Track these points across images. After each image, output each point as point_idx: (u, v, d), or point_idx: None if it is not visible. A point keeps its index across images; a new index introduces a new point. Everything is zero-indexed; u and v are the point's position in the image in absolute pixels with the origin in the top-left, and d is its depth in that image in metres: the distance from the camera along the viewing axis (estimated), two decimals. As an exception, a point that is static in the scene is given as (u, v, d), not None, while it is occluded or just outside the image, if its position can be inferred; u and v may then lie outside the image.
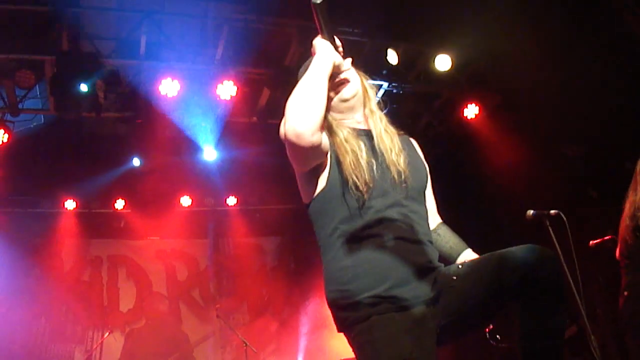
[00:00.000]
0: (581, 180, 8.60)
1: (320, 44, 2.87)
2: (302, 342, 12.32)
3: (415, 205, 2.99)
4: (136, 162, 10.50)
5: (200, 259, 13.55)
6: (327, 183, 2.89)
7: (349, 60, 3.00)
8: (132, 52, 8.67)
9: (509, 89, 10.05)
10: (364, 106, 3.11)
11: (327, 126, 2.92)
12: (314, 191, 2.94)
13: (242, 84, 8.96)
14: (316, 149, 2.71)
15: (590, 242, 5.91)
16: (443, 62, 9.52)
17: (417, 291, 2.74)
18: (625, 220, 5.15)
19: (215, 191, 12.78)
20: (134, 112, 9.07)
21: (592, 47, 8.05)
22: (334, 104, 3.00)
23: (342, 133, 2.92)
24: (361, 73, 3.15)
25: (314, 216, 2.99)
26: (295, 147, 2.63)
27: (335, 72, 2.90)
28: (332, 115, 3.00)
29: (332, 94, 2.95)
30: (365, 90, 3.12)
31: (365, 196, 2.81)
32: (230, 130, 9.99)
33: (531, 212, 5.46)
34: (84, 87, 8.15)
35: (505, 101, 10.23)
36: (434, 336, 2.76)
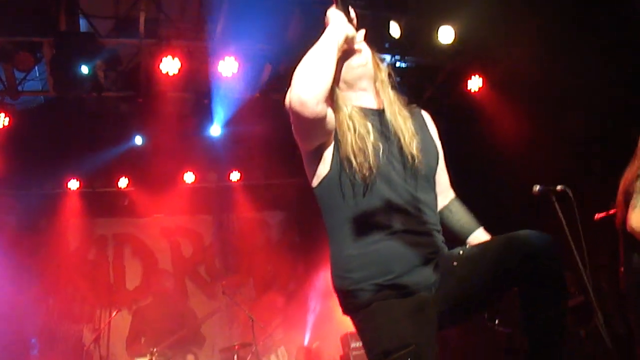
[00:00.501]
0: (584, 154, 8.55)
1: (334, 14, 2.84)
2: (309, 316, 12.36)
3: (424, 193, 2.96)
4: (138, 140, 10.46)
5: (205, 235, 13.55)
6: (331, 167, 2.86)
7: (362, 32, 2.95)
8: (131, 30, 8.61)
9: (513, 62, 9.98)
10: (374, 81, 3.04)
11: (333, 101, 2.85)
12: (319, 175, 2.91)
13: (243, 60, 8.91)
14: (320, 122, 2.68)
15: (596, 216, 5.89)
16: (446, 35, 9.42)
17: (419, 278, 2.76)
18: (618, 196, 5.16)
19: (218, 167, 12.80)
20: (135, 91, 9.05)
21: (598, 19, 8.00)
22: (344, 76, 2.94)
23: (347, 109, 2.86)
24: (372, 47, 3.06)
25: (321, 201, 2.97)
26: (299, 116, 2.59)
27: (348, 44, 2.85)
28: (341, 89, 2.94)
29: (342, 64, 2.89)
30: (376, 65, 3.05)
31: (369, 181, 2.78)
32: (232, 106, 9.94)
33: (537, 187, 5.46)
34: (84, 69, 8.10)
35: (509, 74, 10.16)
36: (434, 322, 2.78)
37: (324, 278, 12.01)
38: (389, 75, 3.10)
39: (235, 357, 9.86)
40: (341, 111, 2.85)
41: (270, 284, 13.39)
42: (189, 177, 12.47)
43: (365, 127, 2.83)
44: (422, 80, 10.38)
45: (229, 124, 10.50)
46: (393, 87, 3.09)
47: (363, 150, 2.77)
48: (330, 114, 2.74)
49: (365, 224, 2.79)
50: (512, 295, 2.91)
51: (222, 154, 12.01)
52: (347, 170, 2.79)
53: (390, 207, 2.80)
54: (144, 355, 9.38)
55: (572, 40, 8.25)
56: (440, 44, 9.46)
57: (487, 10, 9.17)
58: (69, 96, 8.68)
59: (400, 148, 2.89)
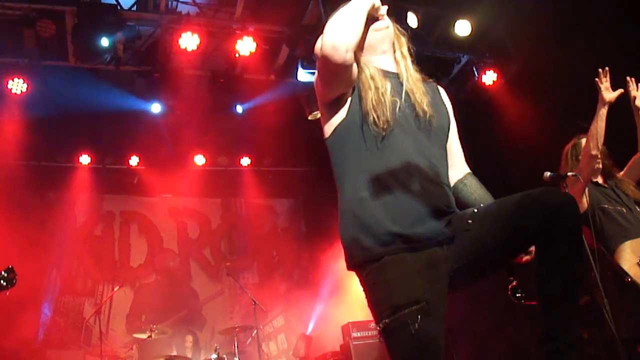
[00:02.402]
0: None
1: None
2: (311, 305, 12.38)
3: (437, 148, 3.04)
4: (156, 108, 10.43)
5: (212, 218, 13.61)
6: (348, 114, 2.97)
7: (385, 7, 3.07)
8: (153, 6, 8.67)
9: (528, 57, 10.01)
10: (394, 50, 3.17)
11: (357, 62, 2.96)
12: (334, 124, 3.01)
13: (261, 42, 8.95)
14: (346, 69, 2.81)
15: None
16: (463, 28, 9.47)
17: (432, 232, 2.77)
18: None
19: (229, 151, 12.84)
20: (153, 66, 9.08)
21: (614, 13, 8.00)
22: (367, 39, 3.06)
23: (369, 70, 2.99)
24: (396, 25, 3.22)
25: (333, 147, 3.04)
26: (328, 61, 2.73)
27: (372, 13, 2.98)
28: (364, 53, 3.07)
29: (366, 29, 3.00)
30: (397, 35, 3.20)
31: (385, 133, 2.86)
32: (247, 88, 9.96)
33: (548, 173, 5.51)
34: (105, 42, 8.16)
35: (524, 69, 10.18)
36: (446, 279, 2.79)
37: (327, 269, 12.04)
38: (408, 48, 3.22)
39: (235, 339, 9.84)
40: (363, 72, 2.97)
41: (274, 271, 13.44)
42: (200, 160, 12.54)
43: (384, 85, 2.94)
44: (438, 71, 10.37)
45: (243, 106, 10.49)
46: (411, 55, 3.21)
47: (381, 105, 2.88)
48: (354, 67, 2.87)
49: (379, 172, 2.82)
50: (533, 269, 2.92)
51: (234, 138, 12.06)
52: (366, 122, 2.88)
53: (405, 158, 2.85)
54: (143, 332, 9.38)
55: (587, 34, 8.27)
56: (457, 36, 9.50)
57: (504, 6, 9.21)
58: (88, 65, 8.71)
59: (413, 106, 2.99)
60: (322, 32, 2.79)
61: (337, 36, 2.69)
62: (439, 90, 3.31)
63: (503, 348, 9.68)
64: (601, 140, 5.37)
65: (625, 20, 7.93)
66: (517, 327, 9.59)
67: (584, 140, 5.67)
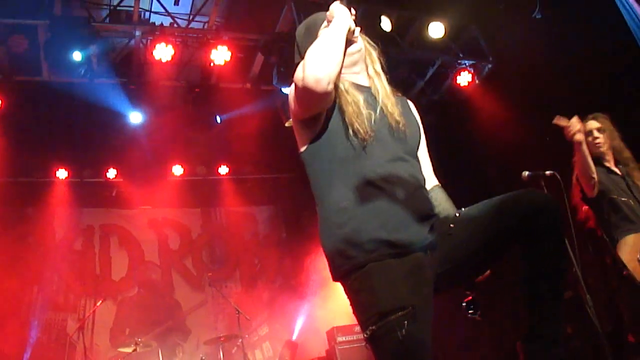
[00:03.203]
0: (570, 149, 8.62)
1: (339, 8, 3.04)
2: (295, 312, 12.38)
3: (412, 157, 3.09)
4: (136, 117, 10.35)
5: (193, 228, 13.55)
6: (324, 128, 3.00)
7: (358, 29, 3.13)
8: (125, 17, 8.63)
9: (502, 57, 10.07)
10: (367, 66, 3.22)
11: None
12: (311, 136, 3.03)
13: (235, 50, 8.94)
14: (326, 97, 2.83)
15: (584, 207, 5.99)
16: (436, 30, 9.52)
17: (415, 237, 2.79)
18: None
19: (207, 160, 12.80)
20: (128, 78, 9.04)
21: (585, 17, 8.07)
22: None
23: (344, 85, 3.03)
24: (366, 39, 3.28)
25: (309, 161, 3.07)
26: (310, 92, 2.76)
27: (348, 35, 3.03)
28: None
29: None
30: (369, 53, 3.25)
31: (365, 143, 2.89)
32: (223, 97, 9.94)
33: (527, 173, 5.54)
34: (78, 55, 8.11)
35: (499, 70, 10.25)
36: (431, 284, 2.80)
37: (310, 274, 12.04)
38: (380, 63, 3.30)
39: (220, 349, 9.83)
40: (338, 87, 3.00)
41: (257, 279, 13.39)
42: (178, 170, 12.48)
43: (359, 98, 2.99)
44: (412, 74, 10.43)
45: (219, 115, 10.48)
46: (384, 71, 3.28)
47: (358, 118, 2.92)
48: (333, 91, 2.90)
49: (359, 182, 2.85)
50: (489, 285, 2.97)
51: (212, 147, 12.03)
52: (346, 134, 2.92)
53: (383, 167, 2.88)
54: (128, 346, 9.34)
55: (562, 34, 8.33)
56: (431, 38, 9.54)
57: (477, 6, 9.26)
58: (61, 81, 8.66)
59: (386, 117, 3.04)
60: (294, 43, 2.99)
61: (319, 69, 2.74)
62: (408, 104, 3.38)
63: (487, 347, 9.72)
64: (592, 169, 5.38)
65: (599, 20, 8.01)
66: (500, 327, 9.64)
67: (588, 123, 5.75)
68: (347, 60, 3.09)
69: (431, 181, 3.30)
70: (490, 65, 10.31)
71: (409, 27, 9.69)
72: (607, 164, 5.65)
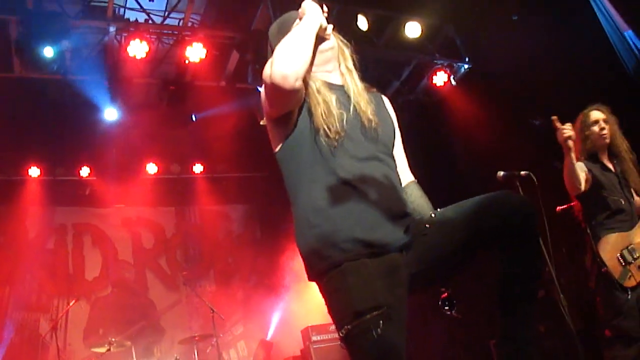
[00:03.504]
0: (546, 150, 8.68)
1: (311, 5, 3.03)
2: (269, 311, 12.36)
3: (386, 156, 3.08)
4: (112, 114, 10.23)
5: (167, 226, 13.48)
6: (296, 128, 2.99)
7: (331, 26, 3.12)
8: (99, 13, 8.54)
9: (478, 57, 10.11)
10: (339, 64, 3.21)
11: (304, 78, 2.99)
12: (284, 136, 3.02)
13: (210, 48, 8.89)
14: (295, 94, 2.83)
15: (557, 208, 6.02)
16: (413, 29, 9.53)
17: (390, 237, 2.79)
18: None
19: (181, 158, 12.74)
20: (101, 74, 8.96)
21: (562, 18, 8.12)
22: (314, 58, 3.06)
23: (315, 84, 3.02)
24: (339, 37, 3.26)
25: (283, 161, 3.06)
26: (277, 88, 2.74)
27: (320, 33, 3.02)
28: (310, 69, 3.05)
29: (314, 49, 3.01)
30: (341, 51, 3.23)
31: (336, 143, 2.88)
32: (197, 95, 9.88)
33: (501, 173, 5.55)
34: (51, 51, 8.01)
35: (475, 69, 10.29)
36: (406, 284, 2.81)
37: (285, 273, 12.02)
38: (352, 60, 3.27)
39: (195, 348, 9.80)
40: (310, 87, 2.99)
41: (231, 278, 13.36)
42: (152, 168, 12.42)
43: (330, 98, 2.98)
44: (388, 73, 10.44)
45: (194, 113, 10.42)
46: (356, 68, 3.26)
47: (330, 117, 2.91)
48: (302, 88, 2.89)
49: (334, 181, 2.84)
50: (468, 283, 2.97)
51: (186, 145, 11.98)
52: (317, 134, 2.90)
53: (358, 166, 2.87)
54: (102, 346, 9.27)
55: (539, 36, 8.37)
56: (407, 38, 9.55)
57: (453, 7, 9.28)
58: (33, 77, 8.56)
59: (359, 116, 3.03)
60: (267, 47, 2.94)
61: (286, 65, 2.72)
62: (382, 100, 3.37)
63: (462, 347, 9.75)
64: (579, 179, 5.40)
65: (576, 21, 8.06)
66: (476, 327, 9.67)
67: (593, 113, 5.68)
68: (319, 58, 3.10)
69: (407, 177, 3.30)
70: (466, 66, 10.35)
71: (385, 27, 9.70)
72: (603, 160, 5.63)
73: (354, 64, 3.24)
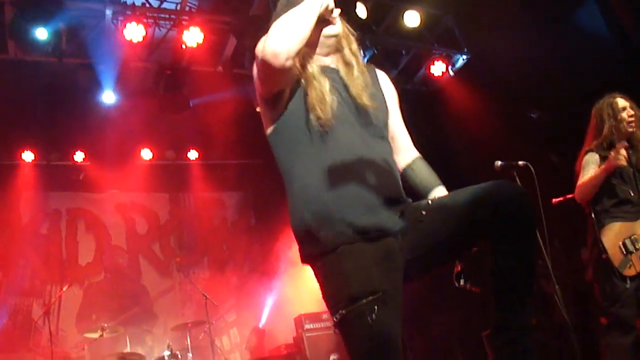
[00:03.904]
0: (543, 142, 8.68)
1: None
2: (262, 298, 12.36)
3: (382, 139, 3.06)
4: (108, 97, 10.15)
5: (161, 212, 13.43)
6: (288, 110, 2.97)
7: (338, 10, 3.04)
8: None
9: (477, 48, 10.10)
10: (344, 48, 3.15)
11: (300, 57, 2.95)
12: (276, 117, 3.01)
13: (208, 32, 8.84)
14: (285, 73, 2.81)
15: (553, 200, 6.02)
16: (412, 18, 9.50)
17: (386, 222, 2.78)
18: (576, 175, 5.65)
19: (176, 144, 12.69)
20: (97, 58, 8.89)
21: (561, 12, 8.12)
22: (314, 40, 3.02)
23: (312, 68, 2.99)
24: (343, 21, 3.18)
25: (276, 143, 3.05)
26: (267, 65, 2.72)
27: (326, 14, 2.95)
28: (308, 49, 3.01)
29: (316, 30, 2.97)
30: (346, 36, 3.17)
31: (327, 129, 2.86)
32: (194, 80, 9.83)
33: (499, 163, 5.57)
34: (46, 33, 7.94)
35: (473, 60, 10.28)
36: (401, 270, 2.81)
37: (279, 261, 12.02)
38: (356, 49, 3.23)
39: (188, 335, 9.77)
40: (306, 70, 2.97)
41: (225, 265, 13.32)
42: (147, 154, 12.38)
43: (324, 83, 2.94)
44: (386, 62, 10.40)
45: (189, 98, 10.35)
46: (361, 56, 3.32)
47: (321, 103, 2.88)
48: (294, 68, 2.86)
49: (329, 165, 2.82)
50: (479, 256, 2.95)
51: (181, 131, 11.93)
52: (309, 118, 2.89)
53: (353, 151, 2.86)
54: (94, 331, 9.24)
55: (538, 29, 8.36)
56: (406, 27, 9.52)
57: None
58: (28, 60, 8.49)
59: (354, 100, 3.00)
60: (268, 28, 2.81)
61: (279, 42, 2.68)
62: (378, 78, 3.32)
63: (454, 338, 9.76)
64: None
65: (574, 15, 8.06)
66: (466, 316, 9.68)
67: (619, 100, 5.63)
68: (322, 42, 3.05)
69: (410, 154, 3.30)
70: (464, 56, 10.33)
71: (384, 15, 9.67)
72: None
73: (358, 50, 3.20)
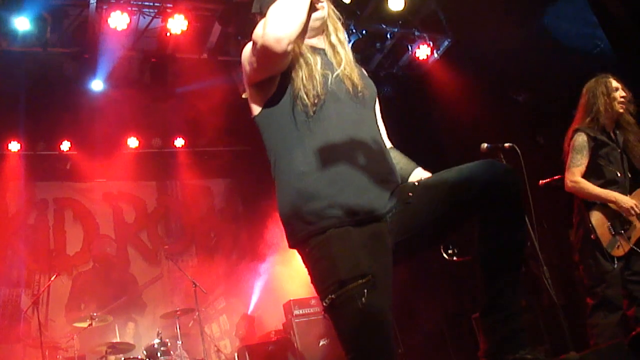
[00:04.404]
0: (529, 125, 8.71)
1: None
2: (251, 285, 12.36)
3: (371, 119, 3.07)
4: (97, 85, 10.12)
5: (148, 201, 13.41)
6: (277, 90, 2.93)
7: None
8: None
9: (461, 32, 10.10)
10: (330, 34, 3.12)
11: None
12: (264, 99, 2.97)
13: (192, 19, 8.81)
14: (284, 58, 2.77)
15: (540, 182, 6.04)
16: (396, 2, 9.48)
17: (376, 203, 2.77)
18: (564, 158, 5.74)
19: (162, 132, 12.64)
20: (82, 47, 8.85)
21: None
22: (307, 23, 3.00)
23: (299, 47, 2.94)
24: (332, 6, 3.15)
25: (263, 125, 3.02)
26: (269, 51, 2.68)
27: (314, 0, 2.92)
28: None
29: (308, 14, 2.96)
30: (333, 21, 3.15)
31: (315, 107, 2.83)
32: (179, 68, 9.80)
33: (485, 145, 5.57)
34: (24, 23, 7.90)
35: (457, 43, 10.29)
36: (390, 252, 2.79)
37: (267, 247, 12.01)
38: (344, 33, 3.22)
39: (177, 323, 9.77)
40: (293, 50, 2.90)
41: (213, 252, 13.31)
42: (133, 142, 12.33)
43: (314, 59, 2.93)
44: (371, 46, 10.39)
45: (175, 86, 10.32)
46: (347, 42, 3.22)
47: (312, 79, 2.85)
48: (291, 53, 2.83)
49: (318, 145, 2.80)
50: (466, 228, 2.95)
51: (168, 119, 11.89)
52: (298, 97, 2.85)
53: (344, 130, 2.84)
54: (84, 320, 9.23)
55: (522, 13, 8.37)
56: (390, 11, 9.50)
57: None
58: (12, 50, 8.45)
59: (344, 78, 2.97)
60: (258, 14, 2.85)
61: (280, 28, 2.65)
62: (363, 70, 3.28)
63: (443, 319, 9.80)
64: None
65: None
66: (457, 299, 9.73)
67: (613, 80, 5.63)
68: (310, 25, 3.02)
69: (387, 144, 3.26)
70: (449, 40, 10.34)
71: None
72: (609, 130, 5.61)
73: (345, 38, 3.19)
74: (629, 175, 5.49)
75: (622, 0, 7.49)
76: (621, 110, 5.53)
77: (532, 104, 8.80)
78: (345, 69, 2.99)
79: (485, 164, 2.74)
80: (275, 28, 2.64)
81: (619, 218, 5.29)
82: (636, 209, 5.22)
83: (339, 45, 3.10)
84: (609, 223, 5.30)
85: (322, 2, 3.00)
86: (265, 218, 11.31)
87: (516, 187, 2.72)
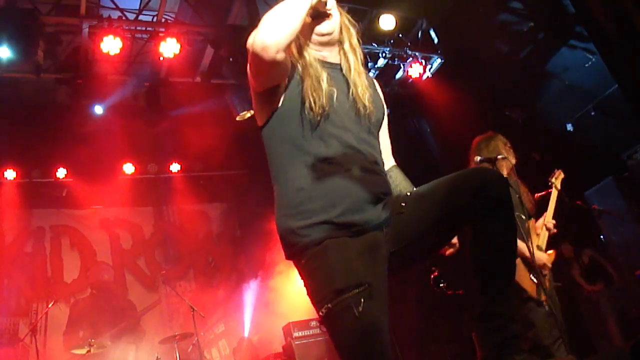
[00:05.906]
0: (523, 142, 8.76)
1: None
2: (250, 309, 12.31)
3: (374, 139, 3.06)
4: (92, 110, 10.07)
5: (145, 227, 13.42)
6: (284, 102, 2.92)
7: (333, 1, 2.98)
8: (72, 10, 8.45)
9: (453, 50, 10.16)
10: (342, 43, 3.11)
11: (296, 49, 2.96)
12: (270, 110, 2.96)
13: (185, 43, 8.84)
14: (276, 67, 2.76)
15: (536, 195, 6.07)
16: (387, 22, 9.55)
17: (371, 215, 2.78)
18: None
19: (158, 158, 12.67)
20: (75, 72, 8.87)
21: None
22: (312, 33, 3.00)
23: (308, 58, 2.95)
24: (343, 11, 3.13)
25: (269, 136, 3.02)
26: (257, 59, 2.67)
27: (319, 8, 2.89)
28: (304, 41, 3.00)
29: (312, 24, 2.96)
30: (347, 29, 3.13)
31: (320, 118, 2.84)
32: (173, 92, 9.83)
33: (479, 158, 5.58)
34: (24, 49, 7.92)
35: (449, 62, 10.34)
36: (386, 262, 2.82)
37: (265, 271, 11.98)
38: (358, 41, 3.19)
39: (176, 348, 9.71)
40: (304, 59, 2.94)
41: (211, 277, 13.31)
42: (129, 168, 12.34)
43: (321, 74, 2.91)
44: (364, 66, 10.43)
45: (169, 110, 10.33)
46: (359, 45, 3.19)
47: (317, 93, 2.84)
48: (287, 62, 2.82)
49: (318, 159, 2.81)
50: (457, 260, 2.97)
51: (163, 144, 11.91)
52: (303, 108, 2.85)
53: (344, 146, 2.85)
54: (82, 347, 9.18)
55: (510, 25, 8.43)
56: (382, 30, 9.57)
57: (428, 0, 9.32)
58: (6, 77, 8.47)
59: (354, 98, 2.97)
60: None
61: (269, 35, 2.62)
62: (374, 82, 3.31)
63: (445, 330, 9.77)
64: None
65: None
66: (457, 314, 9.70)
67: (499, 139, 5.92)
68: (317, 39, 3.00)
69: (389, 162, 3.29)
70: (440, 59, 10.39)
71: (360, 19, 9.68)
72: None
73: (358, 42, 3.17)
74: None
75: (613, 14, 7.55)
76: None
77: (526, 121, 8.85)
78: (356, 84, 2.99)
79: (476, 170, 2.79)
80: (263, 36, 2.61)
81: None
82: None
83: (351, 52, 3.08)
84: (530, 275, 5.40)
85: (329, 7, 2.95)
86: (263, 241, 11.29)
87: (505, 192, 2.75)
